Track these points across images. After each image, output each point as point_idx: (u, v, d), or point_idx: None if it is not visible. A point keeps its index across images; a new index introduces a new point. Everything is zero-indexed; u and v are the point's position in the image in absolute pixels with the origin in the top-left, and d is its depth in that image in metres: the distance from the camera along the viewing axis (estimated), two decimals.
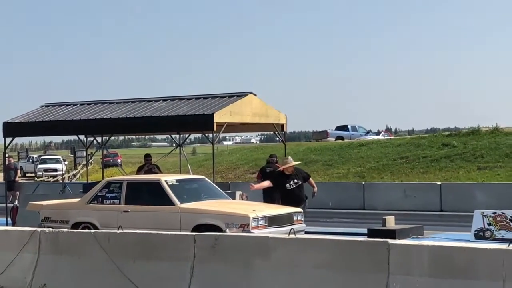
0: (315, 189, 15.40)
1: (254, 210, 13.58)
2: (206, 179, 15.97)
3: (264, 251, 9.27)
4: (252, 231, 12.84)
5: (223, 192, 15.52)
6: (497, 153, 31.61)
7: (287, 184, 14.83)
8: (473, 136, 35.42)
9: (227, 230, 12.87)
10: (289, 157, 15.42)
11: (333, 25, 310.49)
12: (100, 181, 20.73)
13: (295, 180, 14.87)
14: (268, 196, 16.29)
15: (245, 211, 13.60)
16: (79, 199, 15.52)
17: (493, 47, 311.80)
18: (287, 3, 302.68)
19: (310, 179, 15.47)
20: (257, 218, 13.28)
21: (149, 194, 14.58)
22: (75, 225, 14.62)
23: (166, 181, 14.49)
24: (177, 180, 14.85)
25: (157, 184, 14.45)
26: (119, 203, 14.56)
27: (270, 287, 9.07)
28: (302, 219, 14.33)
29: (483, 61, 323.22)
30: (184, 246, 9.76)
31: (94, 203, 14.89)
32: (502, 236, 14.35)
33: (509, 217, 14.52)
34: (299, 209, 14.31)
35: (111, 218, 14.33)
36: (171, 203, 14.02)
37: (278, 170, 15.62)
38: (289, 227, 13.57)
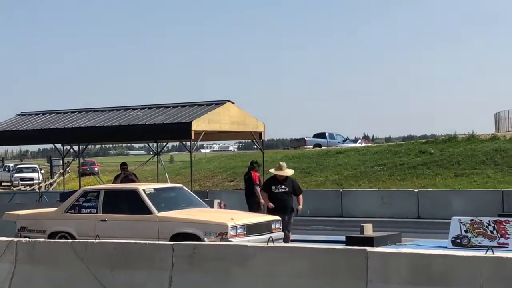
0: (300, 206, 15.43)
1: (232, 219, 13.58)
2: (184, 187, 15.94)
3: (242, 260, 9.25)
4: (230, 239, 12.81)
5: (201, 200, 15.51)
6: (474, 160, 31.82)
7: (273, 187, 15.02)
8: (450, 143, 35.65)
9: (206, 238, 12.82)
10: (283, 164, 15.48)
11: (309, 32, 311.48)
12: (77, 189, 20.66)
13: (283, 186, 15.08)
14: (252, 205, 16.51)
15: (223, 219, 13.58)
16: (56, 209, 15.42)
17: (467, 55, 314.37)
18: (263, 8, 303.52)
19: (300, 196, 15.49)
20: (236, 227, 13.27)
21: (126, 203, 14.50)
22: (52, 235, 14.56)
23: (143, 189, 14.43)
24: (154, 189, 14.80)
25: (134, 193, 14.39)
26: (97, 212, 14.49)
27: None
28: (280, 227, 14.35)
29: (458, 68, 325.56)
30: (162, 255, 9.72)
31: (71, 213, 14.80)
32: (479, 243, 14.42)
33: (486, 224, 14.60)
34: (277, 217, 14.33)
35: (89, 227, 14.24)
36: (148, 212, 13.96)
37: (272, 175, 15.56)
38: (267, 235, 13.59)
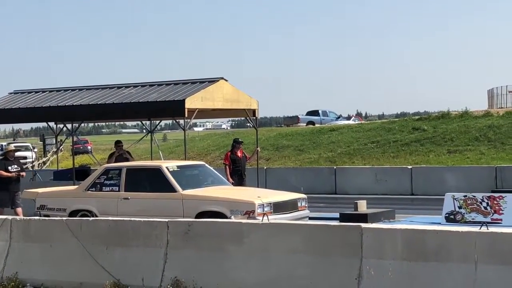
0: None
1: (259, 197, 13.21)
2: (206, 165, 15.51)
3: (237, 237, 9.27)
4: (257, 217, 12.24)
5: (224, 178, 15.19)
6: (467, 136, 31.86)
7: (9, 167, 15.90)
8: (443, 120, 35.67)
9: (232, 217, 12.48)
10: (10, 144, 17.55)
11: (303, 7, 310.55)
12: (71, 168, 20.60)
13: (15, 166, 16.02)
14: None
15: (250, 197, 13.20)
16: (76, 186, 14.92)
17: (460, 32, 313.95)
18: None
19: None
20: (263, 205, 12.90)
21: (149, 180, 14.04)
22: (73, 213, 14.05)
23: (167, 167, 13.96)
24: (178, 166, 14.31)
25: (157, 171, 13.91)
26: (119, 190, 14.00)
27: (243, 272, 9.08)
28: (306, 205, 14.08)
29: (451, 46, 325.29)
30: (157, 233, 9.72)
31: (92, 190, 14.29)
32: (473, 218, 14.46)
33: (479, 200, 14.64)
34: (303, 195, 14.17)
35: (111, 205, 13.83)
36: (172, 189, 13.52)
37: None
38: (294, 214, 13.44)
